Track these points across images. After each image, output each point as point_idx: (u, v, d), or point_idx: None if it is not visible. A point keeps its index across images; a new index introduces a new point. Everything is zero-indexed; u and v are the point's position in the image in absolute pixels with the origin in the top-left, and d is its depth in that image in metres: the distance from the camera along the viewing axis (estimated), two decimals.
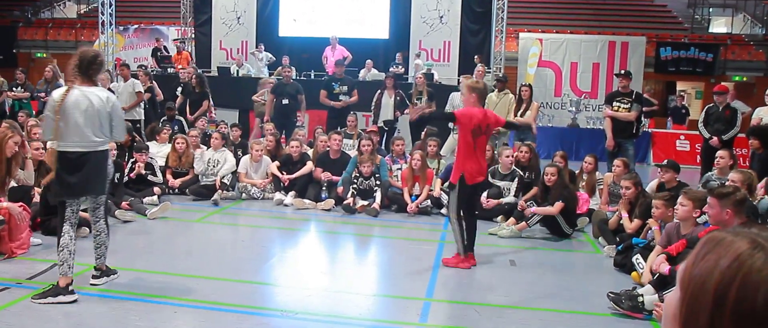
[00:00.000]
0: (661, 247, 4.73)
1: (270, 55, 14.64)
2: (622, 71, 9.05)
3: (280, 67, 12.09)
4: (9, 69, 13.54)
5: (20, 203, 5.34)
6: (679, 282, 1.00)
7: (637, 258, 4.96)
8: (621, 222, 6.05)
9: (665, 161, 6.56)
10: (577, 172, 7.78)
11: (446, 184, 7.17)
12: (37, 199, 6.10)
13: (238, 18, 16.03)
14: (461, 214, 5.36)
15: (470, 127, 5.21)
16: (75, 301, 4.16)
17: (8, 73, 12.35)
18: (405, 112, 10.29)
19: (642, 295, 4.31)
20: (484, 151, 5.57)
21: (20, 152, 5.40)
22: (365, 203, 7.58)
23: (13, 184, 5.59)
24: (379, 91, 10.51)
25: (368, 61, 14.01)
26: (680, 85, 19.46)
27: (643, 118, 10.93)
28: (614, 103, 8.52)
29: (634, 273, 5.09)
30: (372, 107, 10.59)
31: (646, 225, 5.59)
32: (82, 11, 24.07)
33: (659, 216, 5.25)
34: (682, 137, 13.61)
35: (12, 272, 4.77)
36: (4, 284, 4.48)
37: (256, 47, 15.02)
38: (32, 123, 8.36)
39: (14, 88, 11.28)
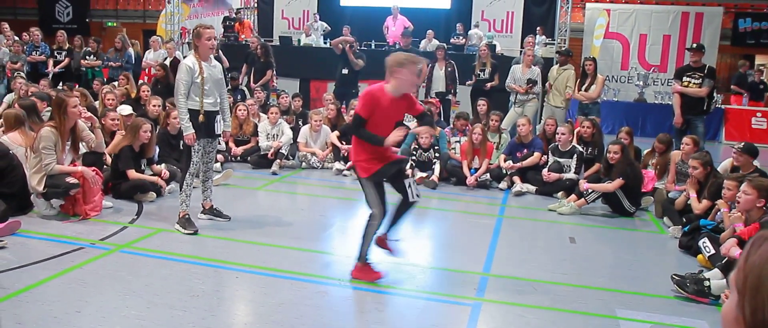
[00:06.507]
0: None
1: (325, 25, 14.64)
2: (694, 44, 8.61)
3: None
4: (83, 38, 14.03)
5: (93, 168, 5.58)
6: (733, 286, 0.98)
7: (703, 242, 4.77)
8: (688, 202, 5.84)
9: (742, 144, 6.15)
10: (647, 150, 7.51)
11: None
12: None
13: None
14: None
15: None
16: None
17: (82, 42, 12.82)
18: (467, 83, 10.32)
19: (709, 279, 4.15)
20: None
21: (76, 116, 5.56)
22: (424, 174, 7.57)
23: (83, 150, 5.84)
24: (429, 63, 10.41)
25: (429, 31, 13.83)
26: (759, 59, 18.40)
27: (715, 94, 10.42)
28: (684, 78, 8.15)
29: (699, 256, 4.91)
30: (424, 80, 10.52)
31: (715, 207, 5.36)
32: None
33: (730, 198, 5.02)
34: (758, 115, 12.93)
35: (86, 233, 5.02)
36: (79, 244, 4.72)
37: (313, 18, 15.08)
38: (106, 90, 8.69)
39: (87, 57, 11.73)
